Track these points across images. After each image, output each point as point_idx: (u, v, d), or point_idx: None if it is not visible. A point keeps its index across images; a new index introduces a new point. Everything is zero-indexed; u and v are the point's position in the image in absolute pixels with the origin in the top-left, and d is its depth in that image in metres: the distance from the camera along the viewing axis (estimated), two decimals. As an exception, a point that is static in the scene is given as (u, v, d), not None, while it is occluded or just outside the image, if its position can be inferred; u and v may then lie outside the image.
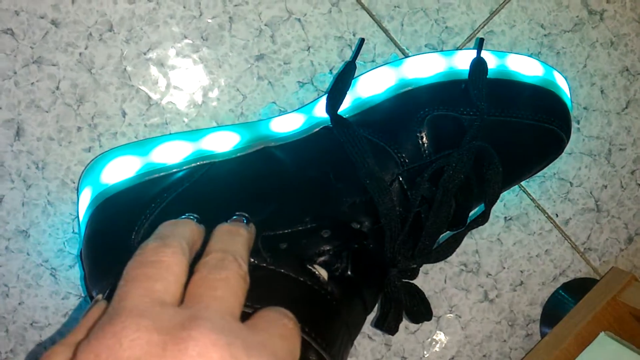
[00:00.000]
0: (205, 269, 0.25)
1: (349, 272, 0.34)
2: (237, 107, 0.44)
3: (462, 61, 0.41)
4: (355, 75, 0.41)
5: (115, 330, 0.20)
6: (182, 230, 0.27)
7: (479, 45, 0.41)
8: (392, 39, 0.45)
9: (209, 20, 0.43)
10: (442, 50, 0.46)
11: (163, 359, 0.20)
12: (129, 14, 0.42)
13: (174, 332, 0.21)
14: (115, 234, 0.36)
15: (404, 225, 0.36)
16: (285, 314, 0.25)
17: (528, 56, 0.43)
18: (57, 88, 0.42)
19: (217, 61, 0.43)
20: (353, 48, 0.45)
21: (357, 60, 0.41)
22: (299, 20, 0.44)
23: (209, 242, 0.27)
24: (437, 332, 0.51)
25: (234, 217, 0.31)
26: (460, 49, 0.46)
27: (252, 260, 0.32)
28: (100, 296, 0.28)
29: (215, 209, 0.35)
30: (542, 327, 0.52)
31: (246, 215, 0.32)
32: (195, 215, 0.30)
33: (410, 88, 0.40)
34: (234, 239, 0.28)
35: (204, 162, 0.38)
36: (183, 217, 0.30)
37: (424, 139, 0.38)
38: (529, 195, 0.50)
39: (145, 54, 0.42)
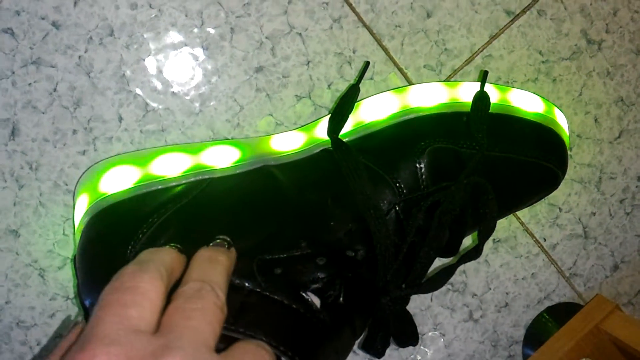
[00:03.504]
0: (182, 298, 0.25)
1: (341, 300, 0.34)
2: (234, 117, 0.44)
3: (466, 93, 0.41)
4: (358, 98, 0.41)
5: (85, 358, 0.20)
6: (162, 257, 0.27)
7: (483, 78, 0.41)
8: (391, 58, 0.46)
9: (210, 30, 0.43)
10: (446, 80, 0.46)
11: None
12: (130, 19, 0.42)
13: None
14: (112, 246, 0.35)
15: (398, 255, 0.36)
16: (262, 346, 0.25)
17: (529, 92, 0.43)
18: (55, 90, 0.42)
19: (216, 71, 0.43)
20: (352, 65, 0.45)
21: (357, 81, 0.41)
22: (300, 34, 0.44)
23: (188, 270, 0.27)
24: (421, 348, 0.51)
25: (217, 240, 0.31)
26: (461, 80, 0.47)
27: (246, 284, 0.32)
28: (80, 319, 0.28)
29: (213, 228, 0.35)
30: (524, 349, 0.53)
31: (228, 239, 0.32)
32: (178, 245, 0.30)
33: (412, 116, 0.40)
34: (213, 267, 0.28)
35: (203, 177, 0.38)
36: (166, 246, 0.30)
37: (423, 170, 0.38)
38: (518, 219, 0.51)
39: (144, 60, 0.42)
